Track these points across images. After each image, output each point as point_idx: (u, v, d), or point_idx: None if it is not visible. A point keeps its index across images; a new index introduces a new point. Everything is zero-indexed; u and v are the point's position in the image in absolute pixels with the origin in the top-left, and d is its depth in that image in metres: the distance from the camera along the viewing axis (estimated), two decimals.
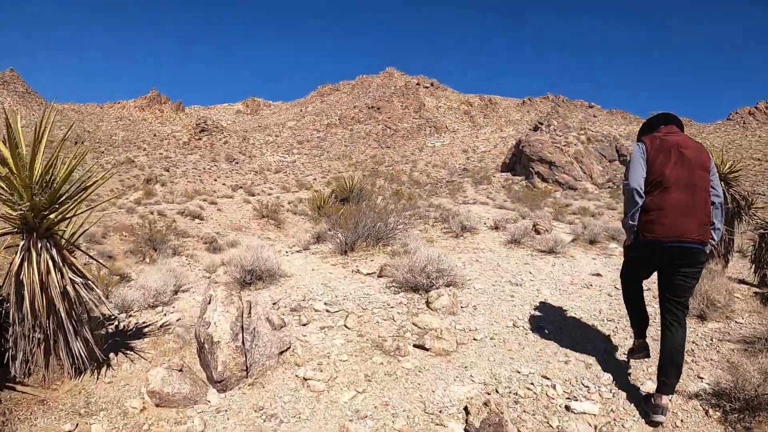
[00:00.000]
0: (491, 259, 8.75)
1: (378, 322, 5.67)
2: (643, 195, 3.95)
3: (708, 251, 3.96)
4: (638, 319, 4.51)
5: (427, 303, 6.09)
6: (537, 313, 6.12)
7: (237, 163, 68.99)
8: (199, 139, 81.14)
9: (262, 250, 7.55)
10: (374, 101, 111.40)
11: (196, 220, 22.35)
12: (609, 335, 5.47)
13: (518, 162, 53.34)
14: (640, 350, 4.50)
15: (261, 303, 6.11)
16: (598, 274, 8.00)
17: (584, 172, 48.84)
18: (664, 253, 3.91)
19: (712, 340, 5.07)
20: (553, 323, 5.82)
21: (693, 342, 5.00)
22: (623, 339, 5.32)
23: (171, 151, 73.49)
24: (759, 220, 8.75)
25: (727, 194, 8.44)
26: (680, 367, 3.91)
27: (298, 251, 9.87)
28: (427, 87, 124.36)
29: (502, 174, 54.50)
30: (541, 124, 60.65)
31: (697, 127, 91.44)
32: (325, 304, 6.16)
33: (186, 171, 56.47)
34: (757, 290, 6.94)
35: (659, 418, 3.80)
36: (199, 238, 19.07)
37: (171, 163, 61.95)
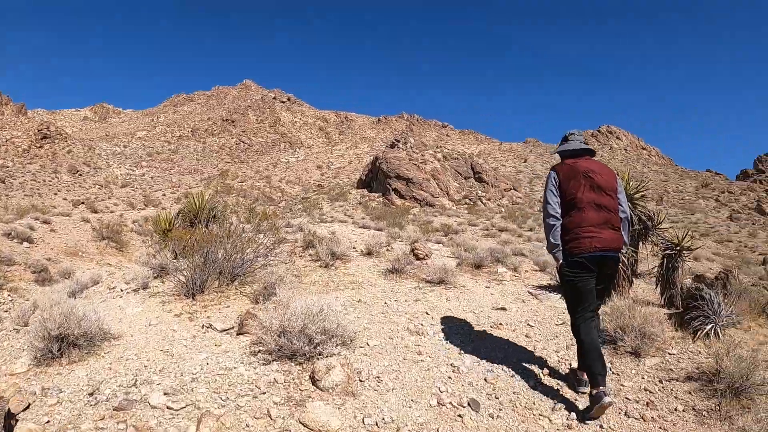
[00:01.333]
0: (376, 296, 7.23)
1: (247, 426, 3.61)
2: (559, 218, 4.39)
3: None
4: (598, 356, 4.27)
5: (314, 380, 4.25)
6: (461, 378, 4.76)
7: (81, 175, 63.14)
8: (41, 146, 72.66)
9: (79, 303, 5.50)
10: (229, 114, 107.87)
11: (25, 243, 18.87)
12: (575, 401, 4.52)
13: (375, 178, 52.59)
14: (598, 404, 4.10)
15: (70, 393, 4.03)
16: (503, 308, 7.02)
17: (441, 189, 49.07)
18: (594, 263, 4.29)
19: (662, 382, 4.72)
20: (489, 394, 4.54)
21: (646, 390, 4.62)
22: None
23: (8, 159, 65.35)
24: (664, 240, 8.36)
25: (633, 214, 7.94)
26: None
27: (135, 290, 7.53)
28: (283, 102, 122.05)
29: (359, 190, 53.57)
30: (398, 141, 60.83)
31: (544, 147, 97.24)
32: (165, 394, 3.96)
33: (24, 182, 50.77)
34: (667, 312, 6.98)
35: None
36: (26, 266, 15.91)
37: (7, 173, 55.11)
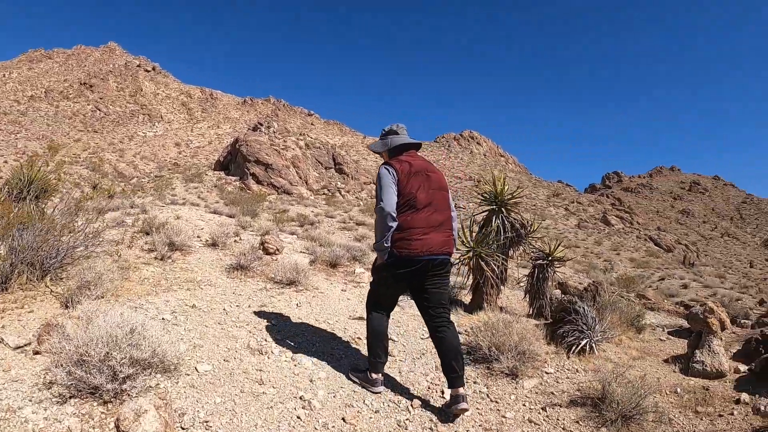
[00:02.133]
0: (214, 300, 5.94)
1: None
2: (396, 219, 4.07)
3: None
4: (384, 348, 4.42)
5: (119, 430, 2.93)
6: (313, 417, 3.77)
7: None
8: None
9: None
10: (88, 77, 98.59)
11: None
12: None
13: (233, 161, 50.18)
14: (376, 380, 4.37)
15: None
16: (361, 318, 6.13)
17: (300, 177, 47.84)
18: (420, 267, 4.10)
19: (545, 410, 4.30)
20: None
21: (531, 421, 4.14)
22: None
23: None
24: (535, 250, 8.08)
25: (506, 221, 7.59)
26: (463, 358, 4.22)
27: None
28: (148, 71, 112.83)
29: (216, 173, 50.82)
30: (261, 125, 58.47)
31: None
32: None
33: None
34: (536, 323, 6.78)
35: (463, 405, 3.97)
36: None
37: None
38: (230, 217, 16.06)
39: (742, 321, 10.44)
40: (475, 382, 4.75)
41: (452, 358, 4.09)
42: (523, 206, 54.59)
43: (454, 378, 4.08)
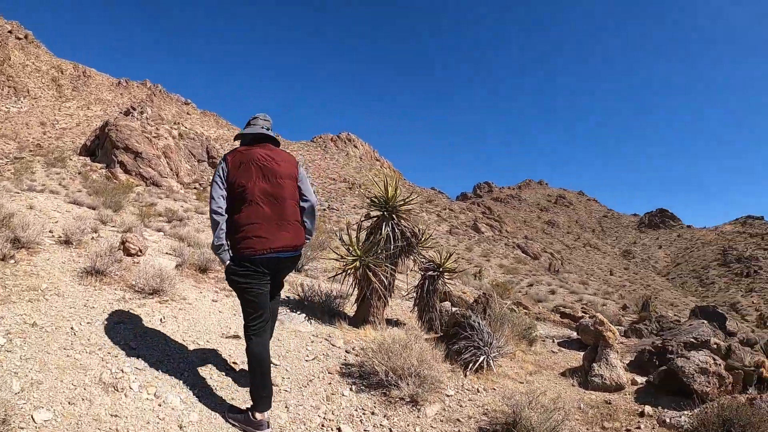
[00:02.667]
0: (62, 315, 4.73)
1: None
2: (224, 213, 3.81)
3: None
4: (269, 380, 3.85)
5: None
6: None
7: None
8: None
9: None
10: None
11: None
12: None
13: (101, 147, 46.54)
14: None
15: None
16: (236, 336, 5.34)
17: (171, 169, 45.37)
18: (267, 266, 3.82)
19: None
20: None
21: None
22: None
23: None
24: (426, 260, 7.71)
25: (396, 229, 7.03)
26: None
27: None
28: (20, 38, 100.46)
29: (81, 158, 46.76)
30: (134, 109, 55.19)
31: (283, 142, 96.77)
32: None
33: None
34: (428, 337, 6.54)
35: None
36: None
37: None
38: (91, 208, 14.48)
39: (617, 327, 10.74)
40: (373, 413, 4.24)
41: (264, 374, 3.80)
42: (457, 221, 55.34)
43: (263, 400, 3.77)
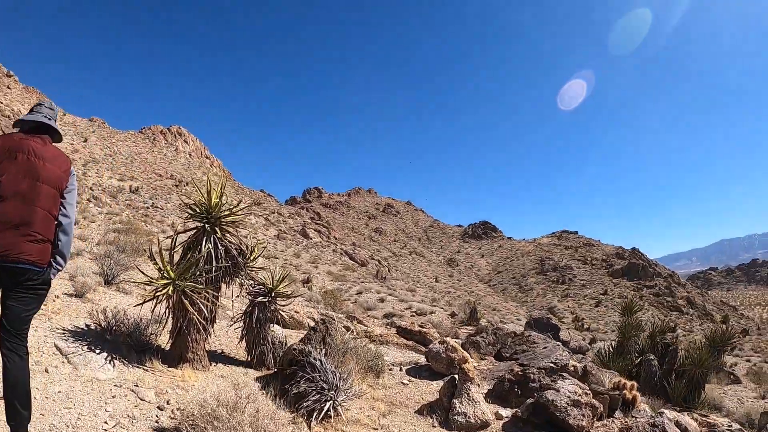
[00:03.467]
0: None
1: None
2: None
3: (49, 276, 3.51)
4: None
5: None
6: None
7: None
8: None
9: None
10: None
11: None
12: None
13: None
14: None
15: None
16: None
17: None
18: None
19: None
20: None
21: None
22: None
23: None
24: (255, 283, 6.52)
25: (220, 245, 5.86)
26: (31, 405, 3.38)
27: None
28: None
29: None
30: None
31: (109, 131, 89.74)
32: None
33: None
34: (259, 374, 5.79)
35: None
36: None
37: None
38: None
39: (454, 340, 10.40)
40: None
41: (18, 398, 3.29)
42: (285, 226, 53.44)
43: (19, 426, 3.30)
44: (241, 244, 5.98)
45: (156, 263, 5.43)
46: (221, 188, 5.82)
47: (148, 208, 45.55)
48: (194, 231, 5.86)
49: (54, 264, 3.56)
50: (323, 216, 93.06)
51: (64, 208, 3.59)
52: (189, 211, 5.90)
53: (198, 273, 5.46)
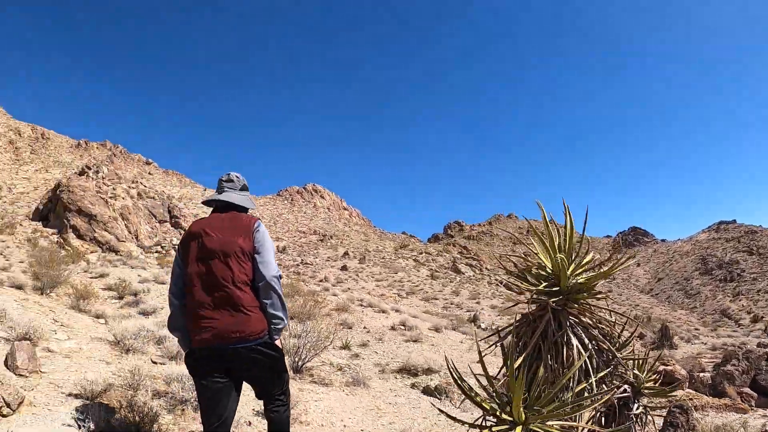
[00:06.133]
0: None
1: None
2: (177, 301, 3.43)
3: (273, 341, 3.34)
4: None
5: None
6: None
7: None
8: None
9: None
10: None
11: None
12: None
13: (53, 210, 42.07)
14: None
15: None
16: None
17: (130, 232, 41.14)
18: (210, 360, 3.22)
19: None
20: None
21: None
22: None
23: None
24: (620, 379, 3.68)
25: (584, 333, 3.36)
26: None
27: None
28: None
29: (33, 223, 42.28)
30: (89, 168, 50.47)
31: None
32: None
33: None
34: None
35: None
36: None
37: None
38: (17, 288, 10.63)
39: (701, 374, 9.33)
40: None
41: None
42: (371, 259, 53.37)
43: None
44: (599, 321, 3.36)
45: (480, 383, 2.93)
46: (569, 237, 3.29)
47: (298, 265, 45.47)
48: (533, 313, 3.51)
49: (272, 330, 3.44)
50: (470, 249, 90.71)
51: (256, 271, 3.35)
52: (522, 283, 3.65)
53: (563, 395, 2.86)
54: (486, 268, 70.86)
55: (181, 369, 5.51)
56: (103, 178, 49.15)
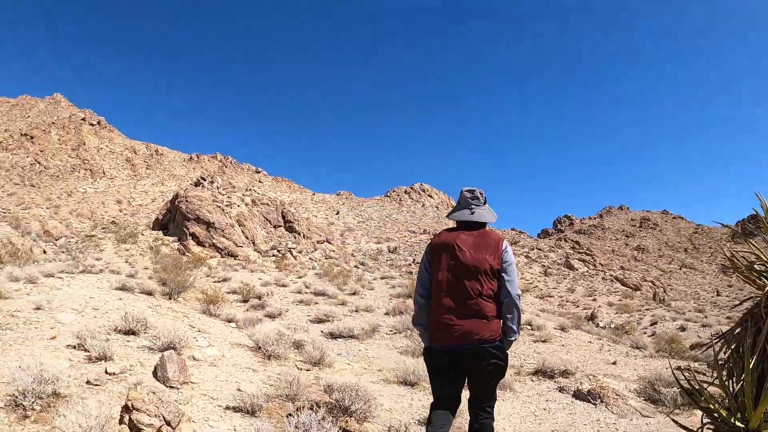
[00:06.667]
0: None
1: None
2: (423, 300, 3.82)
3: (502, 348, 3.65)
4: None
5: None
6: None
7: None
8: None
9: None
10: (30, 128, 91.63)
11: None
12: None
13: (173, 220, 44.40)
14: None
15: None
16: None
17: (247, 237, 42.57)
18: (444, 358, 3.62)
19: None
20: None
21: None
22: None
23: None
24: None
25: None
26: None
27: None
28: (93, 124, 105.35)
29: (153, 232, 44.84)
30: (204, 179, 52.95)
31: (357, 201, 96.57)
32: None
33: None
34: None
35: None
36: None
37: None
38: (148, 294, 10.91)
39: None
40: None
41: None
42: (548, 261, 52.02)
43: None
44: None
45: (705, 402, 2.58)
46: None
47: (410, 264, 45.30)
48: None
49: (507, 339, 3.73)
50: (582, 243, 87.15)
51: (502, 289, 3.64)
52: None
53: None
54: (600, 264, 67.78)
55: (336, 378, 5.46)
56: (218, 187, 51.28)
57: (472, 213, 3.81)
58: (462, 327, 3.50)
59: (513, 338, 3.69)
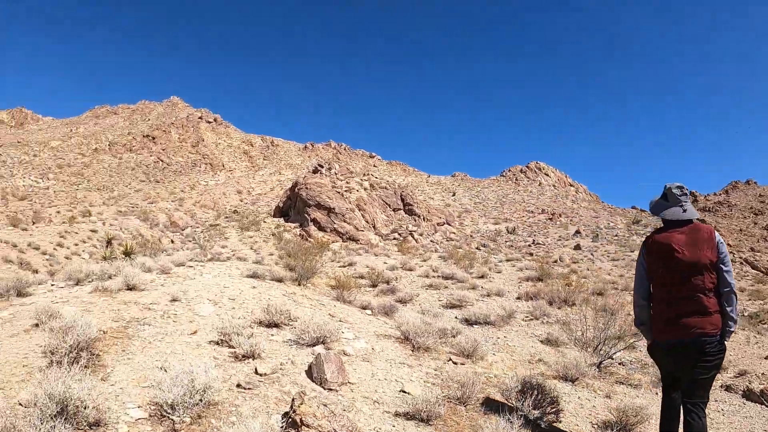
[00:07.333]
0: None
1: None
2: (644, 300, 3.98)
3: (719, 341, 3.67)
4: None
5: None
6: None
7: None
8: None
9: None
10: (151, 130, 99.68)
11: None
12: None
13: (293, 207, 45.74)
14: None
15: None
16: None
17: (367, 222, 42.95)
18: (666, 351, 3.80)
19: None
20: None
21: None
22: None
23: None
24: None
25: None
26: None
27: None
28: (209, 122, 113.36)
29: (275, 219, 46.50)
30: (322, 167, 54.20)
31: (472, 182, 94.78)
32: None
33: None
34: None
35: None
36: None
37: None
38: (278, 281, 10.81)
39: None
40: None
41: None
42: (604, 237, 49.21)
43: None
44: None
45: None
46: None
47: (529, 245, 43.89)
48: None
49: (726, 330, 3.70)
50: (708, 222, 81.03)
51: (720, 281, 3.70)
52: None
53: None
54: (728, 244, 62.75)
55: (495, 371, 5.01)
56: (335, 173, 52.11)
57: (685, 211, 3.87)
58: (685, 323, 3.60)
59: (732, 329, 3.71)
